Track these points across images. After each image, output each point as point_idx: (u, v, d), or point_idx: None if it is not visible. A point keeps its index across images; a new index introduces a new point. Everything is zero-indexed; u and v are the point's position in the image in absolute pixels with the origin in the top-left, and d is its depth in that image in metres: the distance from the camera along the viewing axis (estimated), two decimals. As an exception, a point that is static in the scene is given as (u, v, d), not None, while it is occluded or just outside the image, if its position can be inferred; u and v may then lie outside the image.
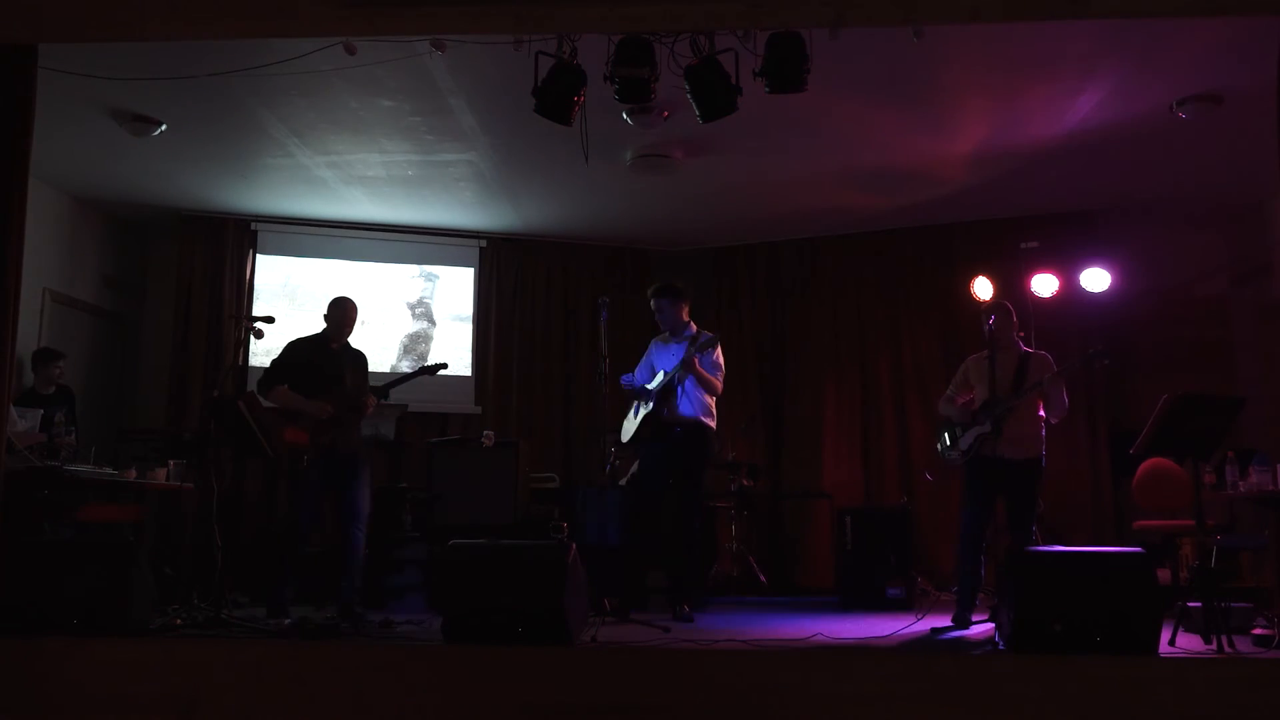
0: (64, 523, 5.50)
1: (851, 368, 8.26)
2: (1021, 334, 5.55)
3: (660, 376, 5.74)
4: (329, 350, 5.57)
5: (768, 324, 8.57)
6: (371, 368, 5.85)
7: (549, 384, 8.47)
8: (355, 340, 5.77)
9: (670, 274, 8.91)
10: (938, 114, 6.08)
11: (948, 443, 5.37)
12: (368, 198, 7.63)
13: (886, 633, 4.88)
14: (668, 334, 5.91)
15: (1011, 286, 7.07)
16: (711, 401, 5.81)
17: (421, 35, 4.72)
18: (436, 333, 8.44)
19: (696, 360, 5.61)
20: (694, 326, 5.89)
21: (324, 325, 5.64)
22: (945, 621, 5.09)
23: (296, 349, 5.61)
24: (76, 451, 5.60)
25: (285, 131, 6.35)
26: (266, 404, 5.48)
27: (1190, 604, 4.66)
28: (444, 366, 5.92)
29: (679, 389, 5.70)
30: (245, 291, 8.10)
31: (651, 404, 5.73)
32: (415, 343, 8.36)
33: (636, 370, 5.97)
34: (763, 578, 7.03)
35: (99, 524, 6.18)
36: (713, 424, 5.83)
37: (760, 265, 8.65)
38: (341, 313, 5.61)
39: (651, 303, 5.89)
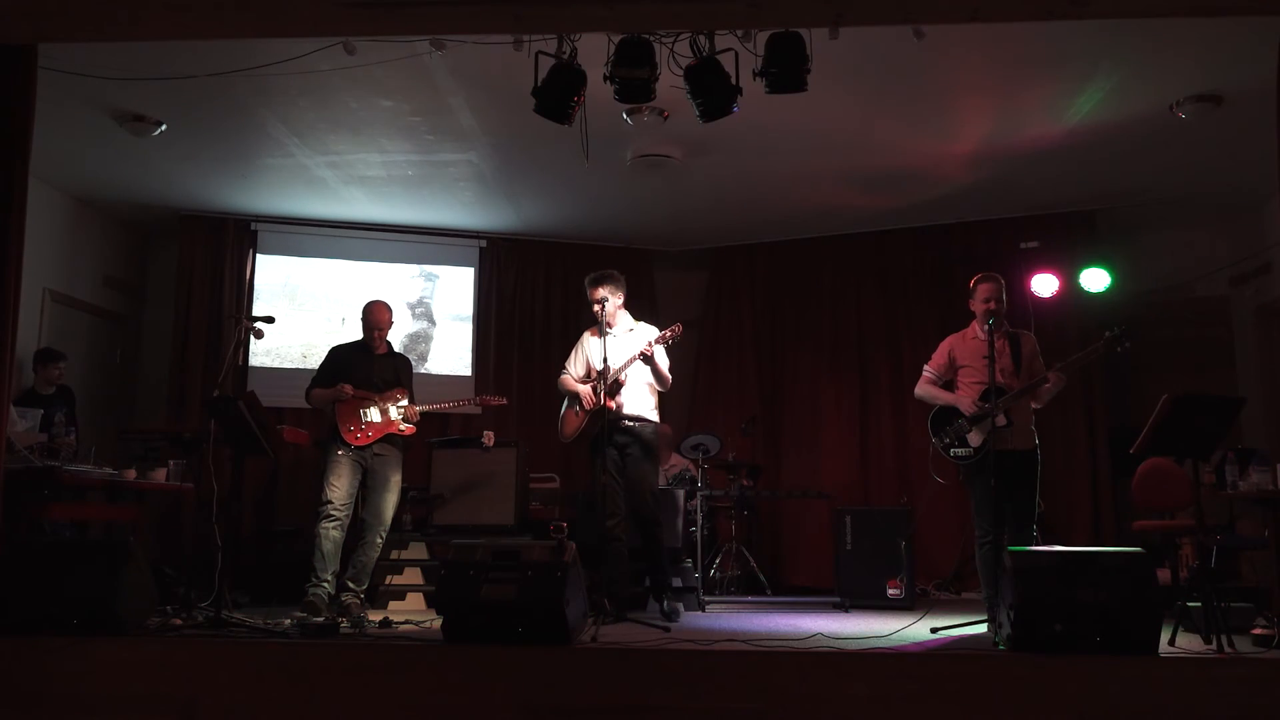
0: (64, 523, 5.49)
1: (851, 368, 8.26)
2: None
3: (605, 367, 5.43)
4: (368, 354, 5.64)
5: (768, 324, 8.57)
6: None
7: (549, 384, 8.44)
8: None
9: (670, 274, 8.95)
10: (938, 114, 6.08)
11: (950, 439, 5.10)
12: (368, 198, 7.63)
13: (886, 633, 4.87)
14: (607, 326, 5.54)
15: (1011, 286, 7.05)
16: (655, 397, 5.62)
17: (421, 35, 4.72)
18: (436, 333, 8.45)
19: (653, 352, 5.34)
20: (632, 319, 5.71)
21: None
22: (945, 621, 5.09)
23: (335, 354, 5.72)
24: (76, 452, 5.60)
25: (285, 131, 6.35)
26: (311, 405, 5.66)
27: (1190, 604, 4.66)
28: (503, 401, 6.08)
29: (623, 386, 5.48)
30: (245, 291, 8.10)
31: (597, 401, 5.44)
32: (415, 343, 8.36)
33: (568, 367, 5.80)
34: (763, 578, 7.03)
35: (99, 524, 6.18)
36: (657, 418, 5.65)
37: (760, 265, 8.65)
38: (367, 316, 5.67)
39: (590, 292, 5.55)
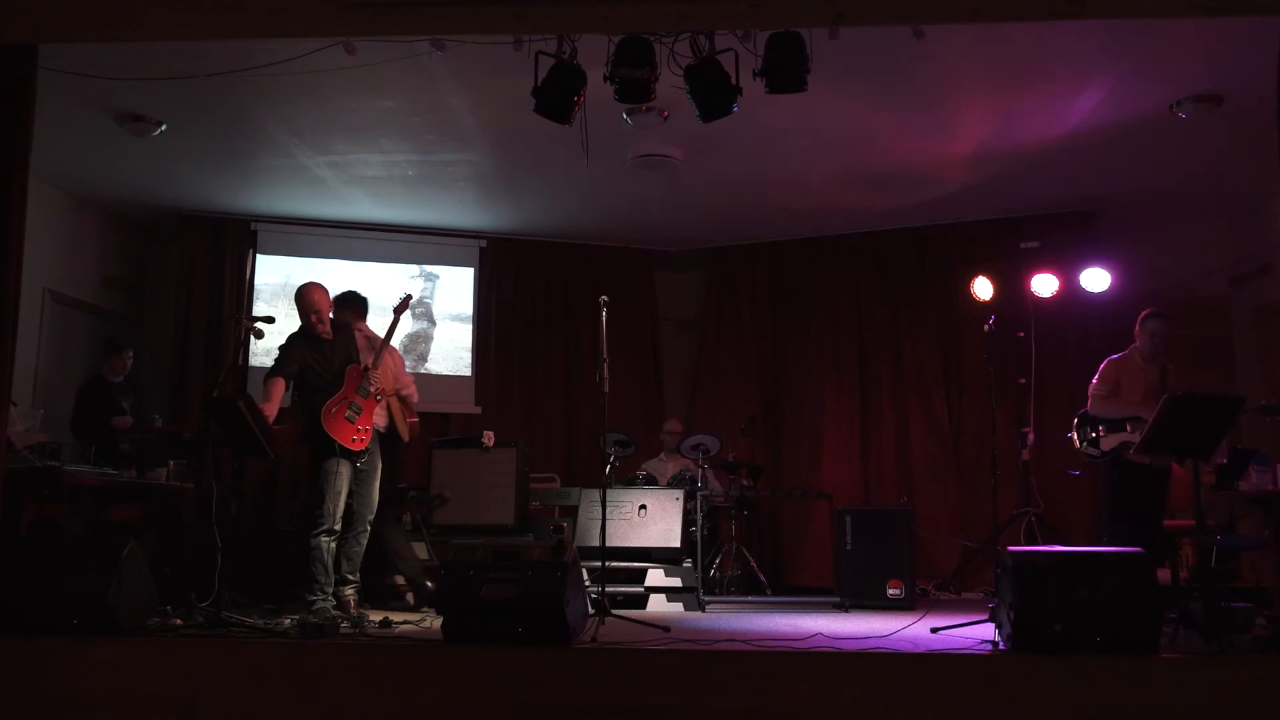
0: (65, 523, 5.49)
1: (851, 368, 8.26)
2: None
3: None
4: (319, 344, 5.40)
5: (768, 324, 8.57)
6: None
7: (549, 384, 8.47)
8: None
9: (670, 274, 8.95)
10: (938, 114, 6.08)
11: (1088, 438, 5.45)
12: (368, 198, 7.63)
13: (886, 633, 4.87)
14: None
15: (1011, 286, 7.06)
16: (392, 405, 5.77)
17: (421, 35, 4.73)
18: (436, 333, 8.45)
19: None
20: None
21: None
22: (945, 621, 5.09)
23: (290, 354, 5.38)
24: (158, 439, 6.02)
25: (285, 131, 6.35)
26: (266, 392, 5.35)
27: (1190, 604, 4.66)
28: (409, 297, 5.86)
29: None
30: (245, 291, 8.10)
31: None
32: (415, 343, 8.36)
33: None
34: (763, 578, 7.03)
35: (99, 524, 6.17)
36: (403, 436, 5.90)
37: (760, 265, 8.65)
38: (301, 302, 5.41)
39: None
